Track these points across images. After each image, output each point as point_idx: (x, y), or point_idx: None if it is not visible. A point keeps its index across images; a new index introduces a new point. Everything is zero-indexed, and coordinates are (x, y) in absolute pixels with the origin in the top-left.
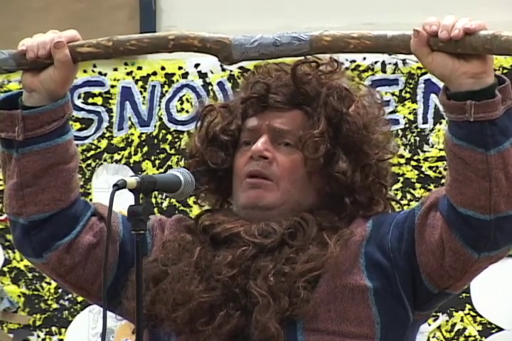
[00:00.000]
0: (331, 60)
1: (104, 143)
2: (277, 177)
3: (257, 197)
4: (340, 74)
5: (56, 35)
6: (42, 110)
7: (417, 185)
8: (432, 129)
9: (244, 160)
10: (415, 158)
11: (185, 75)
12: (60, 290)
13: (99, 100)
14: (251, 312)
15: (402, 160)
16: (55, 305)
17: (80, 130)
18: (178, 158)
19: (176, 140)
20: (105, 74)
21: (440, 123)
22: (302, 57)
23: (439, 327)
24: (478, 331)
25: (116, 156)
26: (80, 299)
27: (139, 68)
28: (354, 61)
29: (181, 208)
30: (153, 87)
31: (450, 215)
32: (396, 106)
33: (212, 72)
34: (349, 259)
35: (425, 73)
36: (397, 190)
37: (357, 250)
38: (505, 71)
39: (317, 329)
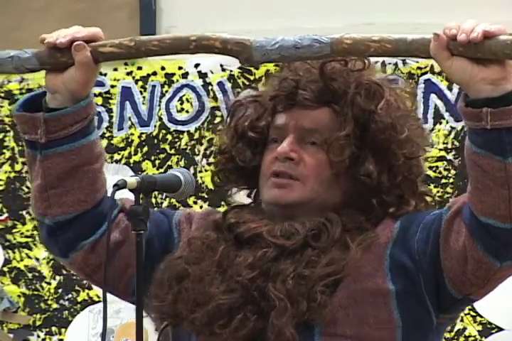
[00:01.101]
0: (360, 58)
1: (104, 143)
2: (304, 177)
3: (281, 196)
4: (370, 70)
5: (78, 30)
6: (64, 112)
7: None
8: (432, 129)
9: (270, 158)
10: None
11: (185, 75)
12: (60, 290)
13: (99, 100)
14: (268, 316)
15: None
16: (55, 305)
17: None
18: (178, 158)
19: (176, 140)
20: (105, 74)
21: (440, 123)
22: None
23: None
24: (478, 331)
25: (116, 156)
26: (79, 299)
27: (139, 68)
28: None
29: (181, 208)
30: (153, 86)
31: (472, 224)
32: None
33: (212, 72)
34: (372, 262)
35: (425, 73)
36: None
37: (382, 252)
38: None
39: (335, 334)
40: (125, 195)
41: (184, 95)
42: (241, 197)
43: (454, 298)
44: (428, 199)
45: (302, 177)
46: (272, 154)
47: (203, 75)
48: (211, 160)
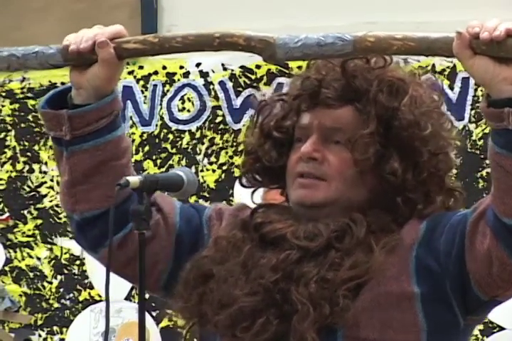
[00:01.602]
0: (382, 56)
1: None
2: (329, 176)
3: (306, 196)
4: (393, 67)
5: (100, 31)
6: (88, 109)
7: None
8: None
9: (295, 158)
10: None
11: (186, 74)
12: (61, 290)
13: None
14: (290, 320)
15: None
16: (56, 305)
17: None
18: (179, 158)
19: (178, 139)
20: None
21: None
22: None
23: None
24: (480, 330)
25: None
26: (81, 298)
27: (141, 67)
28: None
29: None
30: (155, 86)
31: (495, 225)
32: None
33: (213, 72)
34: (397, 265)
35: (426, 73)
36: None
37: (407, 254)
38: None
39: (358, 338)
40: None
41: (185, 94)
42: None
43: (481, 300)
44: (457, 195)
45: (327, 177)
46: (296, 154)
47: (204, 74)
48: (212, 159)
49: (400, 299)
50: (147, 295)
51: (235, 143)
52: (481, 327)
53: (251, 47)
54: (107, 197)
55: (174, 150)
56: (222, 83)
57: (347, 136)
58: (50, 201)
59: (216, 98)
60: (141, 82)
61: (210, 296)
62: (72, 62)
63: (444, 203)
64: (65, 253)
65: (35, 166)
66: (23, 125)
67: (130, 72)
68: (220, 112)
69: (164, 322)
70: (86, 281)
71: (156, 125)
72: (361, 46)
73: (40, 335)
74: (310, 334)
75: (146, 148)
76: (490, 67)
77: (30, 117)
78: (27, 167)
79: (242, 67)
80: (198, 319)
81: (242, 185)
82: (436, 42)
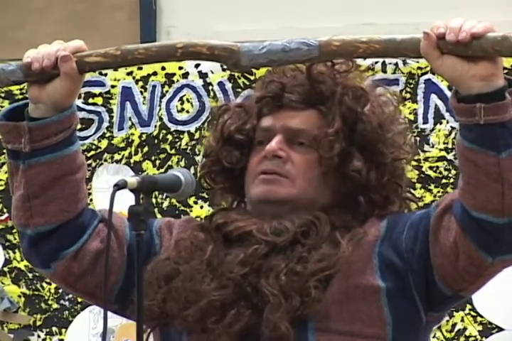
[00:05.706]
0: (347, 60)
1: (104, 143)
2: (292, 175)
3: (270, 191)
4: (356, 73)
5: (62, 47)
6: (48, 121)
7: (418, 185)
8: (433, 129)
9: (258, 159)
10: (415, 158)
11: (185, 75)
12: (60, 291)
13: (99, 100)
14: (262, 311)
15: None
16: (55, 305)
17: (80, 130)
18: (178, 158)
19: (177, 140)
20: (105, 74)
21: (440, 123)
22: None
23: (439, 327)
24: (479, 331)
25: (117, 156)
26: (80, 299)
27: (140, 68)
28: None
29: (182, 208)
30: (154, 87)
31: (463, 219)
32: None
33: (212, 72)
34: (362, 259)
35: (425, 73)
36: None
37: (370, 250)
38: (505, 71)
39: (328, 330)
40: (125, 195)
41: (184, 95)
42: None
43: (444, 295)
44: (412, 205)
45: (290, 176)
46: (258, 155)
47: (203, 75)
48: None
49: (366, 292)
50: None
51: None
52: (480, 328)
53: (214, 55)
54: (63, 211)
55: (173, 151)
56: (221, 84)
57: (312, 136)
58: None
59: (215, 99)
60: (140, 83)
61: (175, 294)
62: (33, 78)
63: (399, 209)
64: None
65: None
66: None
67: (129, 73)
68: None
69: None
70: None
71: (155, 126)
72: (327, 50)
73: (39, 336)
74: (283, 323)
75: (145, 149)
76: (458, 66)
77: None
78: None
79: None
80: (163, 317)
81: (202, 188)
82: (402, 44)
